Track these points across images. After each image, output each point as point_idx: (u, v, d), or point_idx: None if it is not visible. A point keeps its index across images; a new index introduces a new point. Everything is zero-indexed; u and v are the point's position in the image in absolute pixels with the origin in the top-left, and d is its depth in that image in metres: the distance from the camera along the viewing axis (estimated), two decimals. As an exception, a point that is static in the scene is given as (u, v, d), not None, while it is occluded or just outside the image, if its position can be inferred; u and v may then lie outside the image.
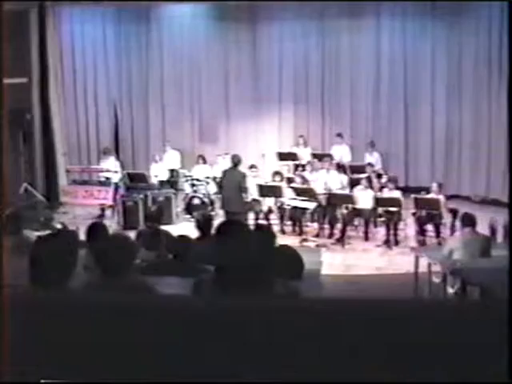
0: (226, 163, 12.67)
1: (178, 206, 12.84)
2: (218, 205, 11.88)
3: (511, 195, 7.48)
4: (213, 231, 5.41)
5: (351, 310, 1.91)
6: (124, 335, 1.88)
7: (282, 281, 3.52)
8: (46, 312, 1.95)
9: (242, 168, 10.79)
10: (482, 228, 8.32)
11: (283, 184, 11.70)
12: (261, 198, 11.60)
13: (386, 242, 10.76)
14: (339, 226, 11.15)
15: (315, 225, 11.56)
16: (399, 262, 9.83)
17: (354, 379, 1.83)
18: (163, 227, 7.85)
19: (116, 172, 13.13)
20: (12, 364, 1.87)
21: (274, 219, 11.62)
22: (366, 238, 11.08)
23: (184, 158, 14.66)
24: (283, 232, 11.35)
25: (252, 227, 5.87)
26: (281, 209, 11.54)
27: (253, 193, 11.55)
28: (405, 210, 10.84)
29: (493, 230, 9.00)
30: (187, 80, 15.54)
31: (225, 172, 10.72)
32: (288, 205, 11.37)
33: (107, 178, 12.93)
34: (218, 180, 11.89)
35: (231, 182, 10.35)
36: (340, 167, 13.02)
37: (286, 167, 13.67)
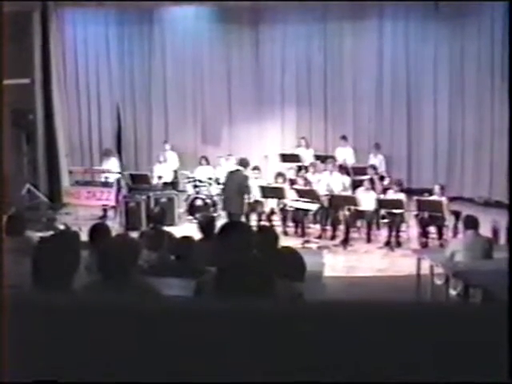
0: (229, 164, 12.69)
1: (181, 207, 12.83)
2: (220, 206, 11.89)
3: (511, 198, 7.47)
4: (215, 232, 5.43)
5: (353, 311, 1.91)
6: (127, 338, 1.88)
7: (285, 282, 3.52)
8: (47, 313, 1.95)
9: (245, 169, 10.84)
10: (485, 230, 8.31)
11: (286, 185, 11.69)
12: (263, 200, 11.60)
13: (388, 244, 10.76)
14: (341, 227, 11.15)
15: (317, 226, 11.55)
16: (401, 263, 9.82)
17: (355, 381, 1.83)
18: (166, 228, 7.86)
19: (119, 173, 13.14)
20: (12, 366, 1.87)
21: (277, 221, 11.62)
22: (369, 240, 11.07)
23: (187, 159, 14.65)
24: (285, 233, 11.34)
25: (254, 229, 5.88)
26: (283, 210, 11.54)
27: (255, 194, 11.56)
28: (407, 212, 10.83)
29: (495, 232, 9.01)
30: (190, 81, 15.51)
31: (229, 173, 10.86)
32: (290, 206, 11.37)
33: (109, 179, 12.92)
34: (221, 181, 11.92)
35: (232, 183, 10.61)
36: (343, 169, 13.01)
37: (289, 169, 13.65)
